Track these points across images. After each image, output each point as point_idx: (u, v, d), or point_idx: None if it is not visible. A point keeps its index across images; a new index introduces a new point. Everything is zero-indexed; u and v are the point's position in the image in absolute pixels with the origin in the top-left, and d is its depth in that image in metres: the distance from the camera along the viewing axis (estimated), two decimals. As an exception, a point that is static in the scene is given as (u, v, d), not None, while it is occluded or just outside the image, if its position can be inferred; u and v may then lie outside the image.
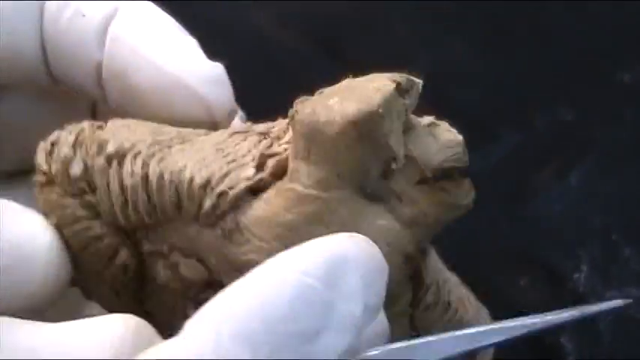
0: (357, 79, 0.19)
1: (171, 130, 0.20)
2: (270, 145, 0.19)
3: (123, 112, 0.21)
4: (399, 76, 0.18)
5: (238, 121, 0.22)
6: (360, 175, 0.18)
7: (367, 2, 0.36)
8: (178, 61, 0.20)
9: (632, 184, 0.30)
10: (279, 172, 0.18)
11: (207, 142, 0.19)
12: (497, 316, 0.25)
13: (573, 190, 0.30)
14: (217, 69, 0.21)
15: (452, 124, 0.20)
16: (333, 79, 0.28)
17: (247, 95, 0.23)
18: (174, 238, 0.19)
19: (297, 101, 0.18)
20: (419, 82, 0.19)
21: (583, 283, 0.28)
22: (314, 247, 0.16)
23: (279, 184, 0.18)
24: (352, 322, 0.15)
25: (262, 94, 0.30)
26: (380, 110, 0.17)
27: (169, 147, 0.19)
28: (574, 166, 0.31)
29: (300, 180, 0.18)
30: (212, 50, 0.24)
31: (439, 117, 0.19)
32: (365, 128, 0.17)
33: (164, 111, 0.20)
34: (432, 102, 0.21)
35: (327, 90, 0.18)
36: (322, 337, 0.15)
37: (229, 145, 0.19)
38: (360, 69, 0.31)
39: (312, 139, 0.17)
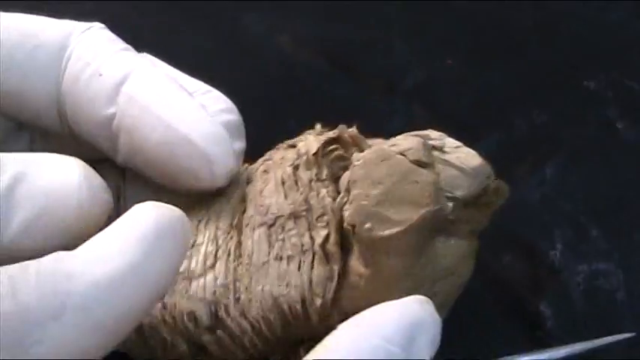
0: (378, 156, 0.19)
1: (206, 243, 0.20)
2: (309, 225, 0.19)
3: (131, 166, 0.21)
4: (417, 153, 0.18)
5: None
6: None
7: (371, 25, 0.38)
8: (185, 119, 0.20)
9: (597, 175, 0.32)
10: (343, 251, 0.19)
11: (257, 250, 0.19)
12: (484, 287, 0.28)
13: (548, 180, 0.31)
14: (220, 129, 0.21)
15: (442, 127, 0.21)
16: (342, 90, 0.31)
17: (271, 104, 0.24)
18: (292, 340, 0.20)
19: (350, 216, 0.18)
20: (427, 136, 0.19)
21: (558, 258, 0.29)
22: (393, 313, 0.17)
23: (363, 272, 0.19)
24: None
25: (283, 103, 0.33)
26: (433, 208, 0.18)
27: (239, 273, 0.19)
28: (548, 160, 0.32)
29: (390, 270, 0.18)
30: (240, 67, 0.26)
31: (432, 120, 0.20)
32: (427, 222, 0.18)
33: (168, 166, 0.20)
34: (426, 107, 0.23)
35: (363, 187, 0.18)
36: None
37: (282, 247, 0.19)
38: (366, 80, 0.35)
39: (380, 248, 0.18)
